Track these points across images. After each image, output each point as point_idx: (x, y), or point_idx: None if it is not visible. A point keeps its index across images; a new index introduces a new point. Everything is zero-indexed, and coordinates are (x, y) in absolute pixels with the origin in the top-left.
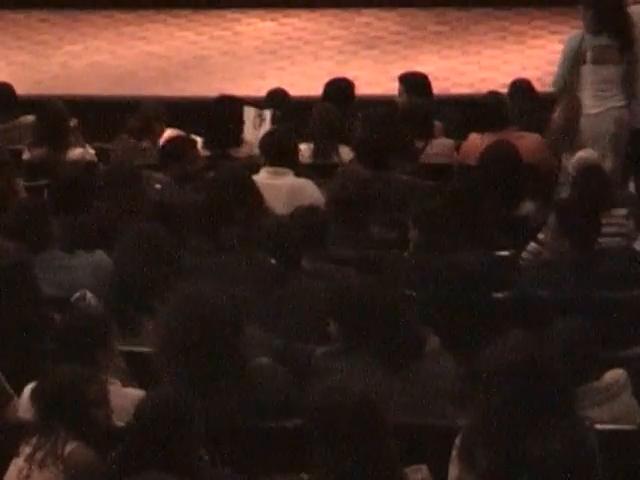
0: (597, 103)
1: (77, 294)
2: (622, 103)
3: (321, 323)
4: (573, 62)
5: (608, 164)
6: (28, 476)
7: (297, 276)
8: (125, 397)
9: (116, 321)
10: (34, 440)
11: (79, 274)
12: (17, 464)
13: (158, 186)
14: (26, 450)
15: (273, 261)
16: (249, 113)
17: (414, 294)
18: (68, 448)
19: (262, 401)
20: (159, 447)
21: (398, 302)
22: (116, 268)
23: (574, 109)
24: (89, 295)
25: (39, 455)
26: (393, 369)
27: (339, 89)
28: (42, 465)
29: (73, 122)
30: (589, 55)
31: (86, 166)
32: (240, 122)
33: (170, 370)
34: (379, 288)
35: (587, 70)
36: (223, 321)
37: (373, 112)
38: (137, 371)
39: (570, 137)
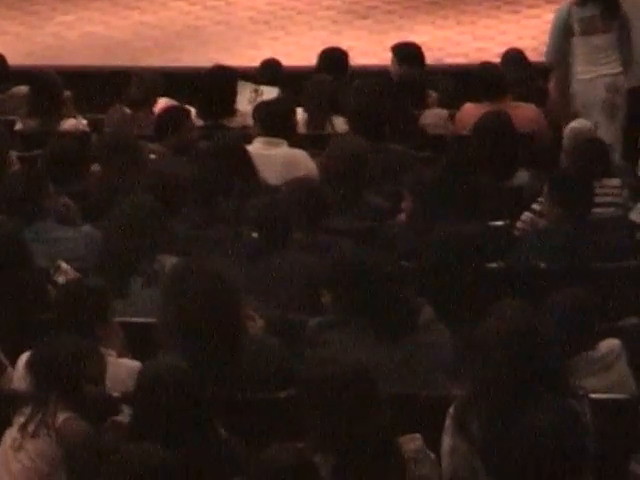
0: (589, 69)
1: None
2: (617, 70)
3: (310, 294)
4: (563, 34)
5: (602, 132)
6: (21, 446)
7: (284, 250)
8: (120, 367)
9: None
10: (27, 410)
11: (71, 246)
12: (11, 434)
13: (153, 156)
14: (20, 420)
15: (255, 235)
16: (244, 88)
17: (408, 265)
18: (60, 418)
19: (258, 373)
20: (165, 416)
21: (392, 273)
22: (105, 235)
23: (567, 80)
24: (65, 266)
25: (31, 426)
26: (388, 340)
27: (333, 59)
28: (35, 435)
29: (66, 93)
30: (577, 27)
31: (79, 137)
32: (233, 92)
33: (170, 341)
34: (374, 259)
35: (577, 42)
36: (225, 291)
37: (367, 82)
38: (130, 341)
39: (565, 108)
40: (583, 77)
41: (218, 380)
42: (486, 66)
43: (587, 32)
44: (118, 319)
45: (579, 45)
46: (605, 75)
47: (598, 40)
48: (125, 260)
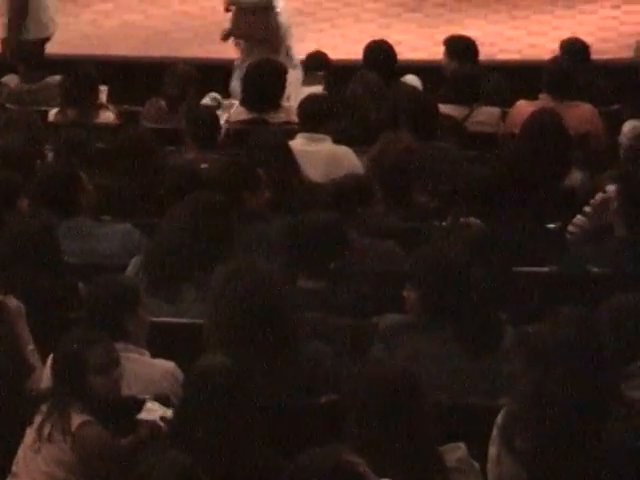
0: None
1: None
2: None
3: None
4: None
5: None
6: (39, 450)
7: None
8: (154, 368)
9: (154, 290)
10: (44, 409)
11: (106, 243)
12: (30, 434)
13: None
14: (38, 419)
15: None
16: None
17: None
18: (76, 420)
19: (305, 378)
20: (211, 416)
21: (484, 283)
22: (162, 235)
23: None
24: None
25: (47, 428)
26: (469, 353)
27: (379, 53)
28: (50, 440)
29: (102, 87)
30: None
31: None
32: (280, 87)
33: (221, 342)
34: (472, 264)
35: None
36: (279, 295)
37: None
38: (177, 342)
39: None
40: None
41: (264, 384)
42: (554, 60)
43: None
44: (163, 319)
45: None
46: None
47: None
48: (180, 266)
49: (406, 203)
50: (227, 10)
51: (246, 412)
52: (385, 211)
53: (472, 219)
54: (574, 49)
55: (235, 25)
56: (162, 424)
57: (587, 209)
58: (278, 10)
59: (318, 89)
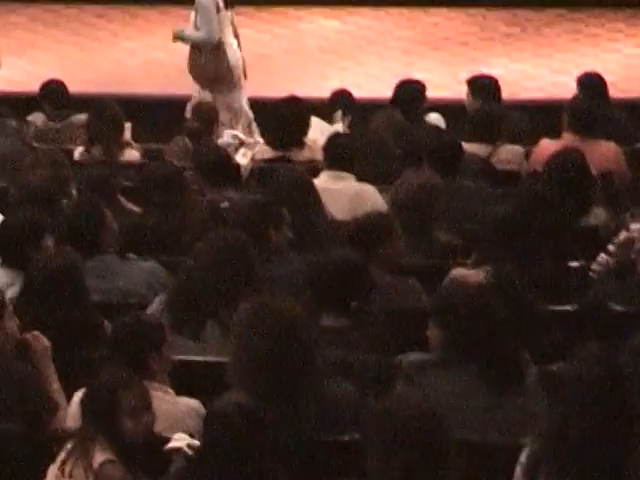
0: None
1: None
2: None
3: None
4: None
5: None
6: None
7: None
8: (178, 405)
9: (178, 328)
10: (68, 446)
11: (131, 281)
12: (53, 471)
13: (226, 204)
14: (61, 456)
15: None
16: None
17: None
18: (99, 459)
19: (334, 416)
20: (230, 456)
21: (507, 319)
22: (187, 273)
23: None
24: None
25: (69, 465)
26: (493, 391)
27: (410, 92)
28: (72, 477)
29: (127, 125)
30: None
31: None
32: (304, 125)
33: (244, 380)
34: (495, 302)
35: None
36: (302, 333)
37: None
38: (201, 380)
39: None
40: None
41: (287, 421)
42: (577, 99)
43: None
44: (187, 357)
45: None
46: None
47: None
48: (205, 304)
49: (427, 241)
50: None
51: (265, 451)
52: (406, 249)
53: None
54: (592, 84)
55: (188, 64)
56: (189, 451)
57: (611, 247)
58: (228, 49)
59: (339, 127)
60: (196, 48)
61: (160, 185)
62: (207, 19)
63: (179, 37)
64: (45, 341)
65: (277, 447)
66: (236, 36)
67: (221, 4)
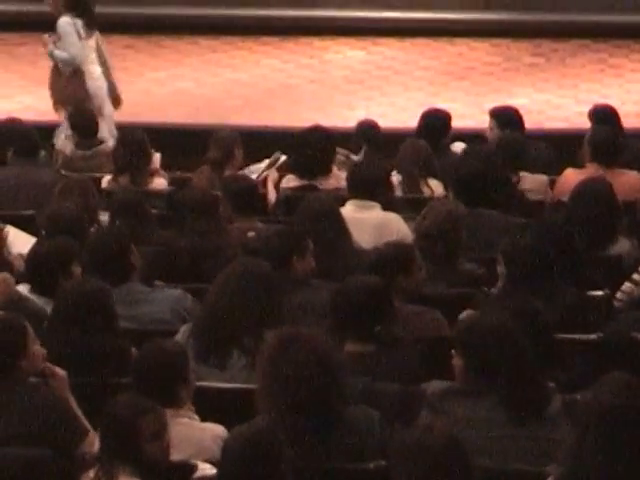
0: None
1: None
2: None
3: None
4: None
5: None
6: None
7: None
8: (205, 432)
9: (204, 356)
10: (91, 473)
11: (157, 308)
12: None
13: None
14: None
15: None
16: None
17: None
18: None
19: (359, 444)
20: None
21: (530, 350)
22: (211, 301)
23: None
24: None
25: None
26: (516, 420)
27: (437, 121)
28: None
29: (156, 154)
30: None
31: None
32: (330, 153)
33: (273, 408)
34: (519, 331)
35: None
36: (331, 362)
37: (474, 148)
38: (226, 408)
39: None
40: None
41: (312, 449)
42: (597, 130)
43: None
44: (213, 384)
45: None
46: None
47: None
48: (229, 332)
49: (451, 270)
50: None
51: (282, 478)
52: (431, 278)
53: None
54: (606, 116)
55: (49, 85)
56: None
57: (635, 276)
58: (88, 77)
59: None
60: (57, 70)
61: (196, 210)
62: (69, 43)
63: (49, 54)
64: (62, 371)
65: (300, 474)
66: (103, 63)
67: (82, 32)
